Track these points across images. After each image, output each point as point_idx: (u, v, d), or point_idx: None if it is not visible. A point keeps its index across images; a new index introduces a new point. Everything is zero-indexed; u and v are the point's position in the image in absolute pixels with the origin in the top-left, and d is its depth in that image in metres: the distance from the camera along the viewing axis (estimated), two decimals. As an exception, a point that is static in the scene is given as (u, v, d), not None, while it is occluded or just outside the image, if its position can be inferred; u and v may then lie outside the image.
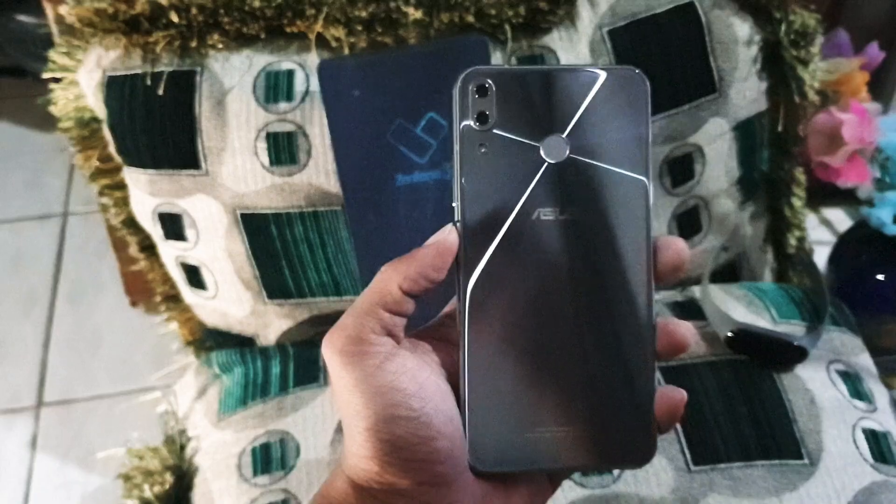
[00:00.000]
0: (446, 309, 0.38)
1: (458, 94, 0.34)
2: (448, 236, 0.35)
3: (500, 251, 0.35)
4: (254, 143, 0.68)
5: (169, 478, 0.68)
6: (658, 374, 0.37)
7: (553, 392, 0.35)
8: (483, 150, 0.34)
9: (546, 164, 0.34)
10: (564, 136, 0.34)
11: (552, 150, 0.34)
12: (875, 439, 0.66)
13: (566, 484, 0.60)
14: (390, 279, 0.35)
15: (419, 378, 0.35)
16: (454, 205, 0.35)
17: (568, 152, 0.34)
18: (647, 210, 0.35)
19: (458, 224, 0.35)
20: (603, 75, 0.35)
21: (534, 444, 0.35)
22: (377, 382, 0.34)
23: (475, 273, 0.35)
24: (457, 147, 0.35)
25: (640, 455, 0.35)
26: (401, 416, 0.34)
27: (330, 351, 0.36)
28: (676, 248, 0.36)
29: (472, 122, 0.34)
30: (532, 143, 0.34)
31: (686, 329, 0.36)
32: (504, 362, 0.35)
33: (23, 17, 1.24)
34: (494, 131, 0.34)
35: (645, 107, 0.35)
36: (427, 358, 0.36)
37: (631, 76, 0.35)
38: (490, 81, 0.35)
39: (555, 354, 0.35)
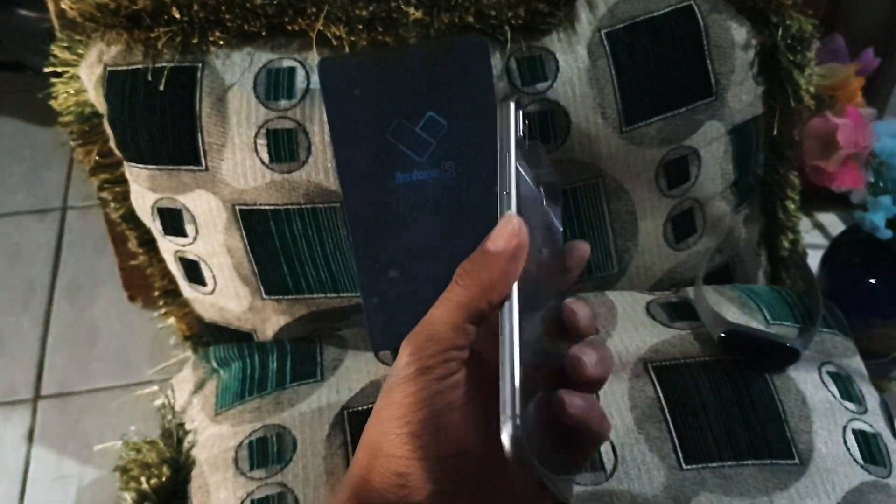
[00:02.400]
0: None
1: (512, 110, 0.40)
2: (521, 228, 0.35)
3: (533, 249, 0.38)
4: (254, 139, 0.69)
5: (166, 471, 0.69)
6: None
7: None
8: (524, 161, 0.39)
9: (552, 181, 0.41)
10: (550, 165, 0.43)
11: (551, 173, 0.42)
12: (865, 440, 0.66)
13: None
14: (478, 291, 0.35)
15: (470, 392, 0.36)
16: (505, 193, 0.37)
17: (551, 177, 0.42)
18: None
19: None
20: None
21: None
22: (433, 391, 0.35)
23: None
24: (511, 152, 0.38)
25: None
26: (441, 426, 0.35)
27: (411, 358, 0.35)
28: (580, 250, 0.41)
29: (521, 134, 0.39)
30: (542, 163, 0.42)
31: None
32: (537, 360, 0.36)
33: (24, 12, 1.25)
34: (527, 148, 0.40)
35: None
36: (487, 367, 0.37)
37: None
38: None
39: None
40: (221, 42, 0.69)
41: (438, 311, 0.36)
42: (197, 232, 0.74)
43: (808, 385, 0.68)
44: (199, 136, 0.69)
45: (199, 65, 0.69)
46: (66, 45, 0.72)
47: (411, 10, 0.68)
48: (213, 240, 0.74)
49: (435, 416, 0.35)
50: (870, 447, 0.66)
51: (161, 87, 0.69)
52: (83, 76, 0.72)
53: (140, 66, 0.69)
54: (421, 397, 0.35)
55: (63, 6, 0.71)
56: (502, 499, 0.38)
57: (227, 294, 0.77)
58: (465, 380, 0.36)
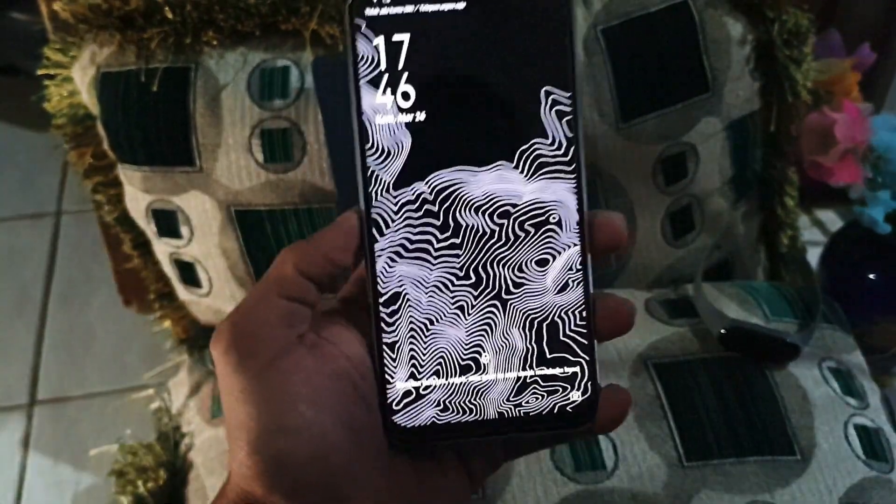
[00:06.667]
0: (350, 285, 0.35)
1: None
2: (351, 217, 0.32)
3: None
4: (248, 140, 0.68)
5: (162, 474, 0.68)
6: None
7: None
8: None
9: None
10: None
11: None
12: (867, 436, 0.66)
13: (558, 479, 0.60)
14: (286, 261, 0.31)
15: (315, 380, 0.30)
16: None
17: None
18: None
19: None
20: None
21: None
22: (264, 386, 0.29)
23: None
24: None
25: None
26: (289, 426, 0.29)
27: (216, 350, 0.30)
28: (614, 226, 0.33)
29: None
30: None
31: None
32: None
33: (17, 15, 1.24)
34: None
35: None
36: (334, 349, 0.31)
37: None
38: None
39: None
40: (215, 42, 0.69)
41: (251, 291, 0.32)
42: (192, 233, 0.73)
43: (809, 381, 0.67)
44: (193, 136, 0.69)
45: (193, 65, 0.69)
46: (58, 47, 0.72)
47: (405, 7, 0.67)
48: (208, 241, 0.73)
49: (275, 414, 0.29)
50: (871, 443, 0.66)
51: (154, 88, 0.68)
52: (76, 78, 0.72)
53: (133, 67, 0.69)
54: (250, 394, 0.29)
55: (55, 7, 0.71)
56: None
57: (222, 296, 0.76)
58: (315, 363, 0.30)
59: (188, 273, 0.78)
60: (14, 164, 1.43)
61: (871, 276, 0.96)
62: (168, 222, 0.74)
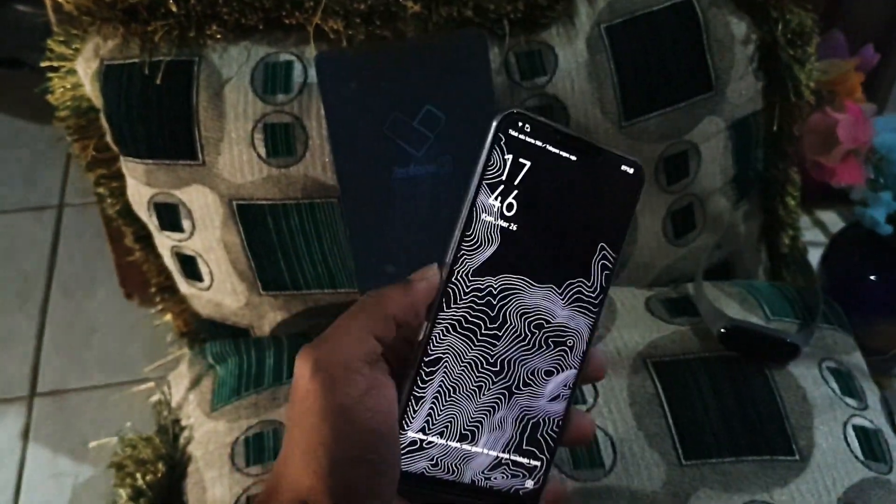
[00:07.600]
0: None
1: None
2: (435, 276, 0.37)
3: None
4: (251, 134, 0.68)
5: (161, 467, 0.68)
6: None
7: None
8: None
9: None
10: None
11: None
12: (866, 436, 0.66)
13: (558, 476, 0.60)
14: (387, 307, 0.35)
15: (390, 420, 0.34)
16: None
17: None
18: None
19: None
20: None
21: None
22: (354, 418, 0.33)
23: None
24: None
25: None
26: (367, 459, 0.33)
27: (312, 368, 0.34)
28: (601, 363, 0.40)
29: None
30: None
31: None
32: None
33: (21, 7, 1.24)
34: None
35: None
36: (389, 391, 0.35)
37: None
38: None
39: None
40: (218, 36, 0.69)
41: (344, 323, 0.35)
42: (193, 227, 0.74)
43: (809, 381, 0.67)
44: (196, 130, 0.69)
45: (196, 59, 0.69)
46: (62, 39, 0.72)
47: (409, 3, 0.67)
48: (209, 235, 0.73)
49: (359, 446, 0.33)
50: (870, 443, 0.66)
51: (158, 81, 0.68)
52: (80, 70, 0.72)
53: (137, 60, 0.69)
54: (340, 420, 0.33)
55: (60, 0, 0.71)
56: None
57: (223, 290, 0.77)
58: (389, 403, 0.35)
59: (189, 266, 0.78)
60: (17, 156, 1.43)
61: (872, 277, 0.95)
62: (170, 216, 0.74)
